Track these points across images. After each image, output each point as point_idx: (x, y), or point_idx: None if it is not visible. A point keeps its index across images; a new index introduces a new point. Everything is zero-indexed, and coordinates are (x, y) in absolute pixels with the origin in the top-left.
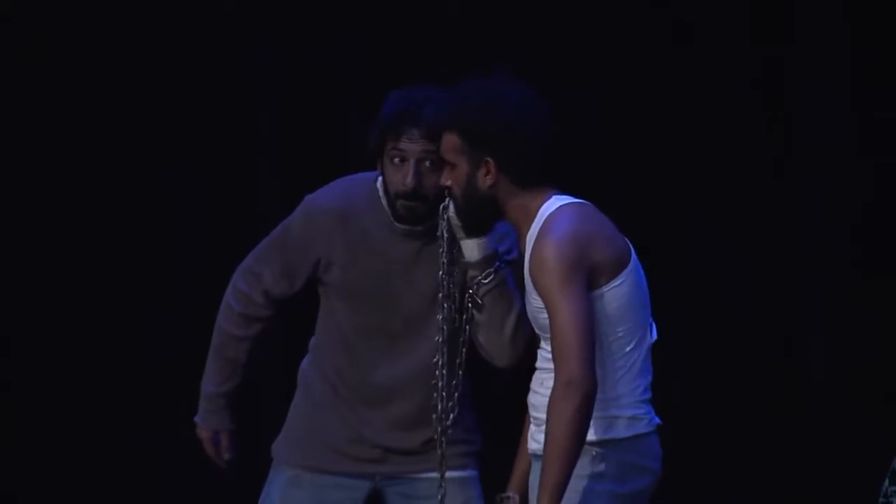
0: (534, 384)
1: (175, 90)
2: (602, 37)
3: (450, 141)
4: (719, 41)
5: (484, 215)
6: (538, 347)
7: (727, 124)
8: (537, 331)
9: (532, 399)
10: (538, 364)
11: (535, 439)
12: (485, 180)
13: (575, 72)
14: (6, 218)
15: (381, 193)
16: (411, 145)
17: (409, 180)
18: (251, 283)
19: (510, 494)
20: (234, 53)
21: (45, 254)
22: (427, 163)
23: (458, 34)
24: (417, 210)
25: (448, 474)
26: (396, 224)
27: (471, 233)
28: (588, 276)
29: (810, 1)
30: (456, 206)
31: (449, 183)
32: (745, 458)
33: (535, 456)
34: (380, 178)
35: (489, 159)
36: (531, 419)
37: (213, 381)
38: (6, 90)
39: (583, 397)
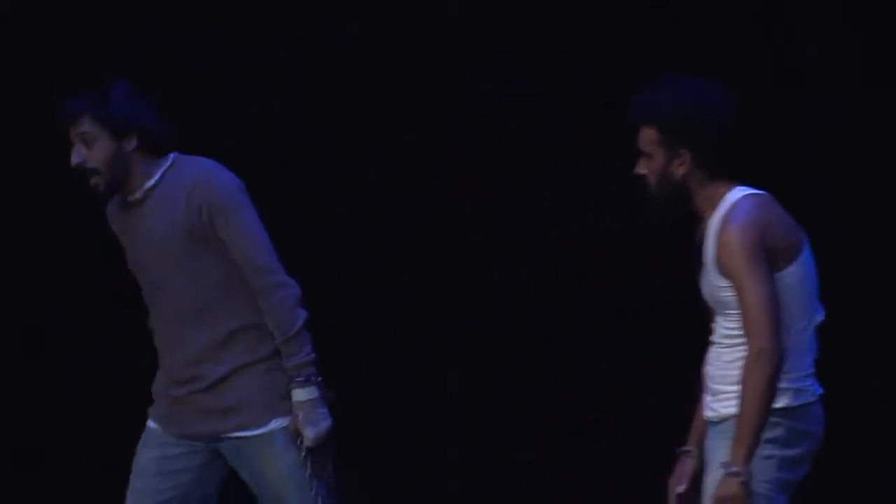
0: (711, 357)
1: (182, 89)
2: (603, 34)
3: (648, 134)
4: (721, 41)
5: (675, 201)
6: (712, 322)
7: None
8: (714, 307)
9: (709, 371)
10: (714, 338)
11: (711, 407)
12: (678, 170)
13: (577, 71)
14: (8, 216)
15: None
16: (71, 134)
17: (72, 159)
18: None
19: (689, 448)
20: (235, 54)
21: (48, 253)
22: (80, 143)
23: (458, 33)
24: (97, 184)
25: (253, 432)
26: (123, 198)
27: (663, 213)
28: (768, 258)
29: (810, 1)
30: (650, 193)
31: (644, 172)
32: None
33: (711, 423)
34: None
35: (685, 151)
36: (708, 388)
37: None
38: (6, 90)
39: (774, 366)
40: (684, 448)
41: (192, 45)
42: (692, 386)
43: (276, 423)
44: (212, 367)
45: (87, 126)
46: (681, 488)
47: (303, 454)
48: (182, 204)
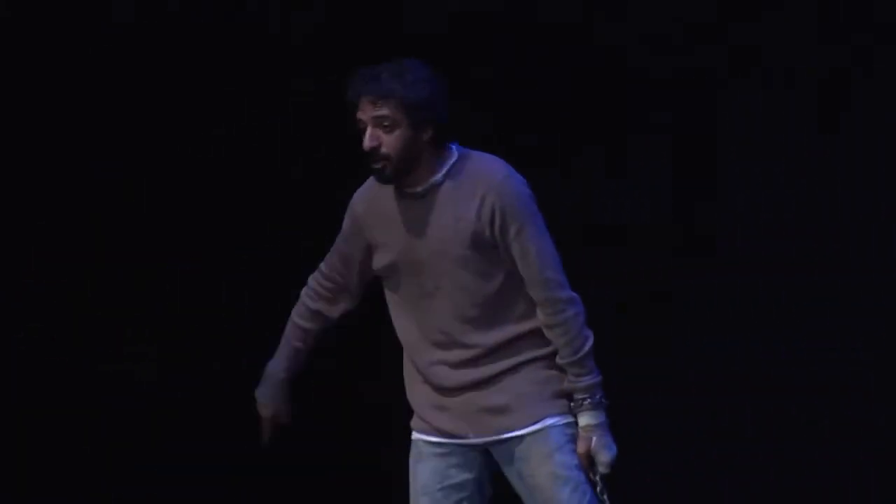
0: None
1: (183, 87)
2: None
3: None
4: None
5: None
6: None
7: None
8: None
9: None
10: None
11: None
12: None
13: (580, 70)
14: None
15: None
16: (365, 112)
17: (365, 142)
18: (314, 275)
19: None
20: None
21: (59, 254)
22: (377, 127)
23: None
24: (384, 169)
25: (525, 430)
26: (400, 189)
27: None
28: None
29: None
30: None
31: None
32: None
33: None
34: None
35: None
36: None
37: (274, 361)
38: (7, 90)
39: None
40: None
41: (191, 44)
42: (692, 386)
43: (550, 421)
44: (488, 366)
45: (390, 110)
46: None
47: (598, 480)
48: (475, 204)
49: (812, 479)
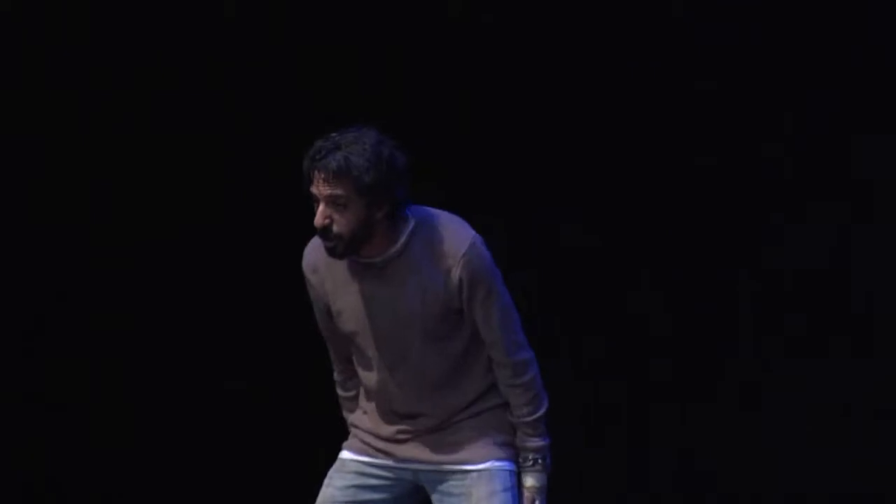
0: None
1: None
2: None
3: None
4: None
5: None
6: None
7: None
8: None
9: None
10: None
11: None
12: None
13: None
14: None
15: None
16: (318, 189)
17: (317, 220)
18: (334, 366)
19: None
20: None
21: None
22: (329, 205)
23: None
24: (335, 247)
25: (472, 466)
26: (359, 262)
27: None
28: None
29: None
30: None
31: None
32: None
33: None
34: None
35: None
36: None
37: None
38: (7, 90)
39: None
40: None
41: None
42: (692, 385)
43: (498, 464)
44: (446, 420)
45: (344, 190)
46: None
47: None
48: (441, 277)
49: (812, 479)
